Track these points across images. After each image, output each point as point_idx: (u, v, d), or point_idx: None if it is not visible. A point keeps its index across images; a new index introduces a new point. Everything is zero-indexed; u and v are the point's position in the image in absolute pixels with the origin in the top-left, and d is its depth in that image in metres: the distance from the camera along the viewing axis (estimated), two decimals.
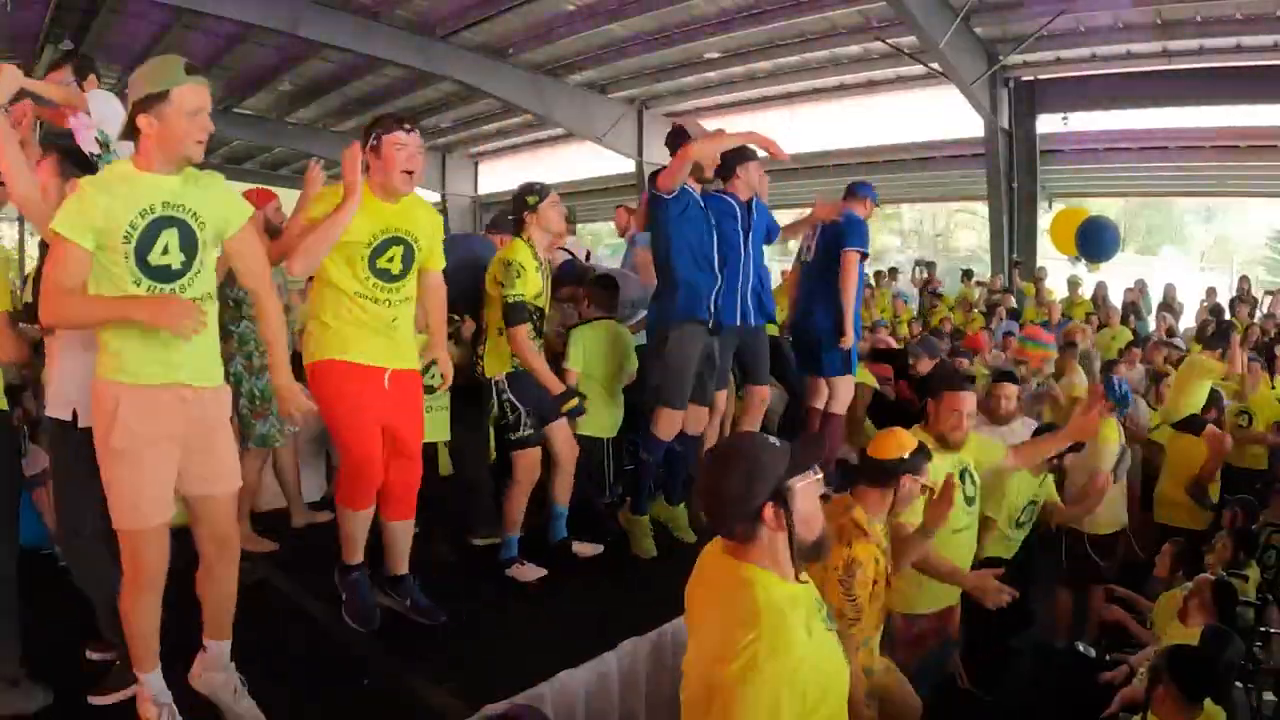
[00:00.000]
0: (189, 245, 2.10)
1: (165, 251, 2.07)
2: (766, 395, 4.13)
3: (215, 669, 2.35)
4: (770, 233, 4.09)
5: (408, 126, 2.68)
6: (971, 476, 3.17)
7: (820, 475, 1.80)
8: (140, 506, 2.11)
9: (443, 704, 2.54)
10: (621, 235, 4.66)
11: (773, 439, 1.83)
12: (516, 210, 3.45)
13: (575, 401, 3.47)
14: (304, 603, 3.19)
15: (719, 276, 3.63)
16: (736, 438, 1.86)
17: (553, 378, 3.39)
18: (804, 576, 1.81)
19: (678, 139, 3.73)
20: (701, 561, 1.92)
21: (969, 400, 3.11)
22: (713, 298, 3.61)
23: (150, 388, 2.09)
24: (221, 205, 2.19)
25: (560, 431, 3.57)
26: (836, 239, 4.37)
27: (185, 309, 1.99)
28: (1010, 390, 4.03)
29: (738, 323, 3.79)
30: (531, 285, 3.36)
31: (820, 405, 4.50)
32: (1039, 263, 11.85)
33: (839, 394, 4.48)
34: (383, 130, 2.66)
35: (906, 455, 2.59)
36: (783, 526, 1.72)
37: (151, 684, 2.24)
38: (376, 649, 2.83)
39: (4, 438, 2.56)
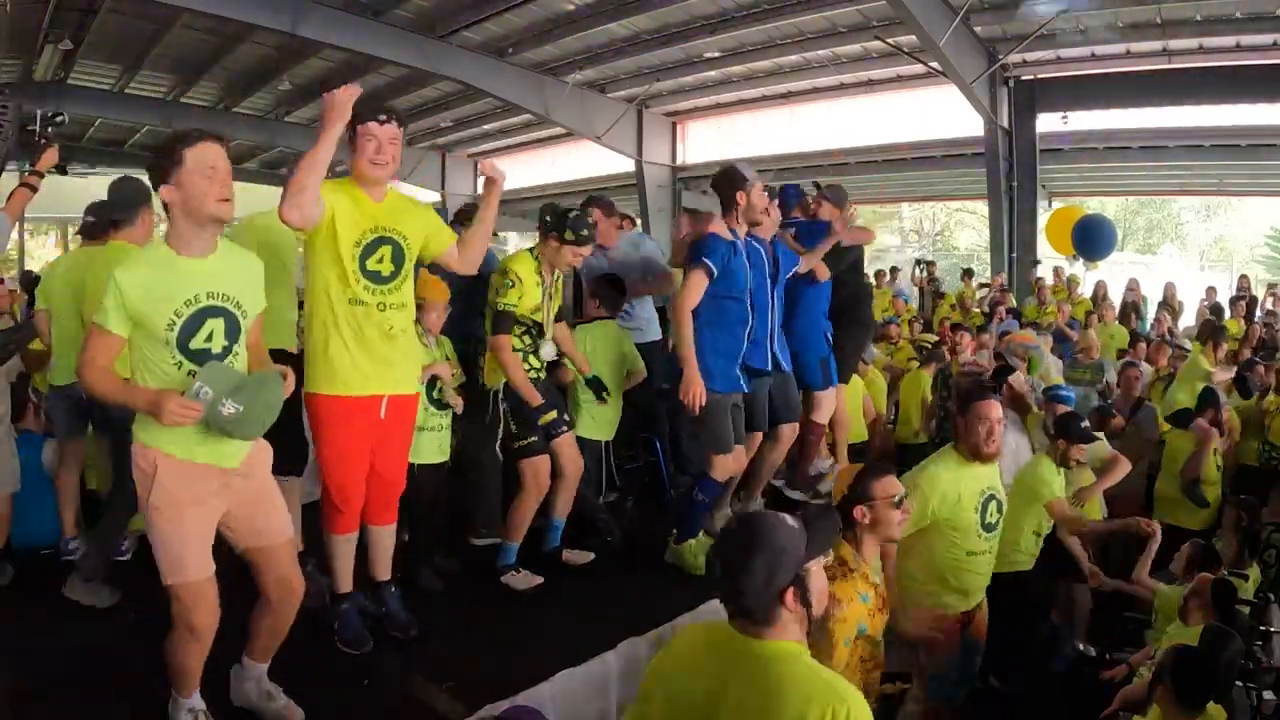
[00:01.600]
0: (233, 332, 2.17)
1: (209, 339, 2.13)
2: (796, 431, 4.10)
3: (252, 680, 2.43)
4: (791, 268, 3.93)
5: (382, 118, 2.61)
6: (998, 502, 3.08)
7: (830, 556, 1.82)
8: (185, 561, 2.14)
9: (443, 704, 2.54)
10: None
11: (789, 520, 1.77)
12: (540, 220, 3.47)
13: (554, 415, 3.45)
14: (304, 603, 3.18)
15: (751, 328, 3.54)
16: (755, 521, 1.80)
17: (530, 390, 3.35)
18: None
19: (735, 184, 3.49)
20: (692, 642, 1.87)
21: (997, 408, 3.02)
22: (742, 354, 3.52)
23: (188, 462, 2.12)
24: (256, 289, 2.26)
25: (566, 445, 3.56)
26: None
27: (182, 409, 2.00)
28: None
29: (768, 368, 3.70)
30: (528, 299, 3.35)
31: (821, 420, 4.42)
32: (1040, 262, 11.87)
33: (822, 405, 4.40)
34: (357, 120, 2.58)
35: (847, 490, 2.51)
36: (799, 609, 1.72)
37: (192, 701, 2.28)
38: (376, 649, 2.83)
39: None
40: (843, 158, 13.95)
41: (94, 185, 6.63)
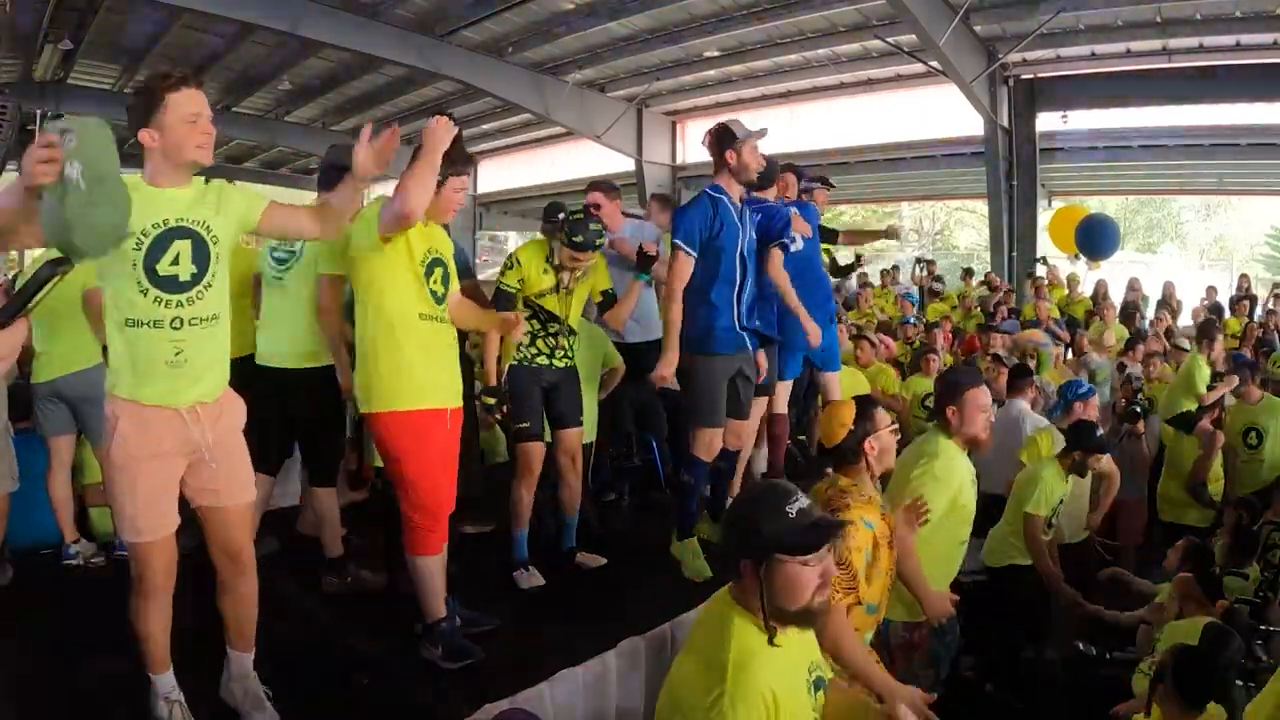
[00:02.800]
0: (201, 258, 2.11)
1: (175, 262, 2.06)
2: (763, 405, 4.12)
3: (237, 678, 2.38)
4: (769, 231, 3.74)
5: (469, 171, 2.75)
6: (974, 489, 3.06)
7: (822, 567, 1.77)
8: (138, 521, 2.11)
9: (443, 704, 2.54)
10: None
11: (793, 506, 1.75)
12: (547, 218, 3.57)
13: (492, 401, 3.44)
14: (304, 603, 3.19)
15: (739, 289, 3.43)
16: (764, 488, 1.86)
17: (492, 373, 3.40)
18: (791, 637, 1.78)
19: (723, 143, 3.35)
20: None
21: (988, 394, 3.01)
22: (735, 317, 3.41)
23: (148, 406, 2.09)
24: (235, 213, 2.19)
25: (565, 442, 3.56)
26: (766, 235, 3.79)
27: (38, 146, 1.71)
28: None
29: (775, 334, 3.76)
30: (532, 283, 3.39)
31: (782, 410, 4.39)
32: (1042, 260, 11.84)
33: (781, 395, 4.36)
34: (451, 171, 2.71)
35: (854, 425, 2.56)
36: (755, 587, 1.73)
37: (163, 683, 2.25)
38: (376, 649, 2.83)
39: None
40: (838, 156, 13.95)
41: None
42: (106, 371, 2.13)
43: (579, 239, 3.32)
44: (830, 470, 2.69)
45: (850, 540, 2.35)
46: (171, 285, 2.07)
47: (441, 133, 2.49)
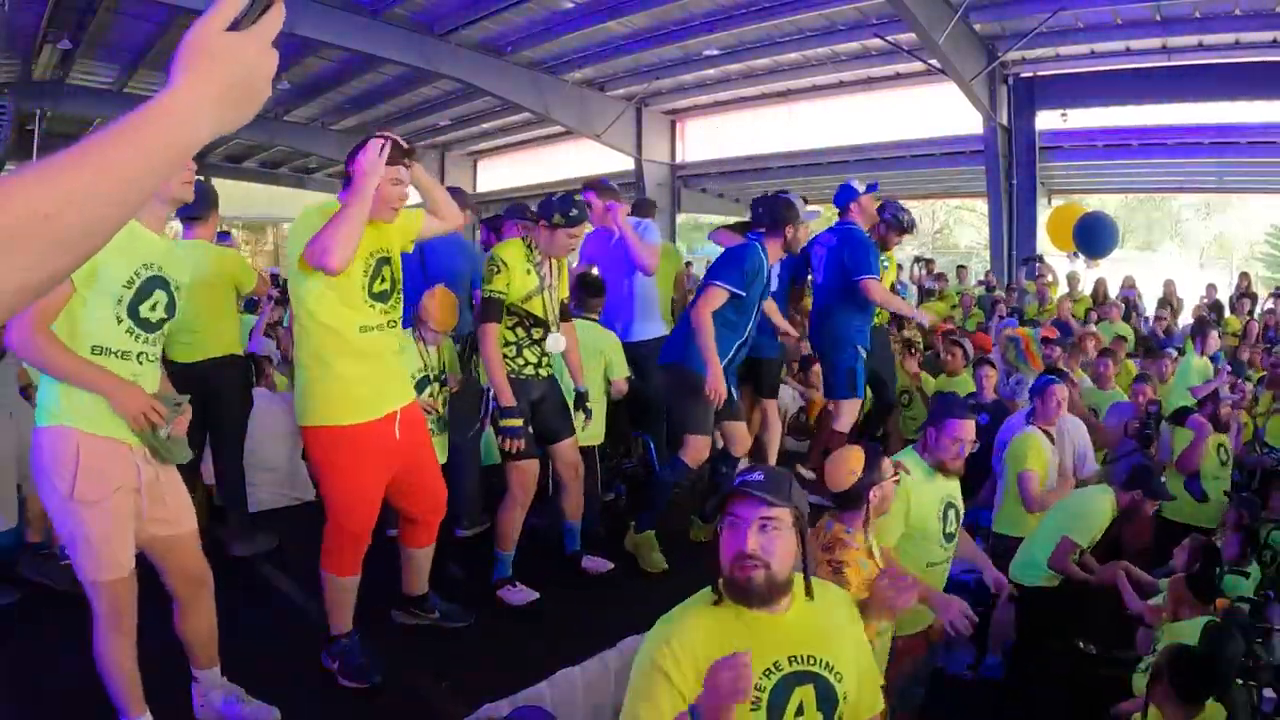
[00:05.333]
0: (170, 308, 2.19)
1: (154, 308, 2.15)
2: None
3: (213, 689, 2.39)
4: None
5: (406, 162, 2.57)
6: (956, 511, 3.05)
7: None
8: (118, 555, 2.08)
9: (443, 703, 2.54)
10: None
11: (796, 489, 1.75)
12: (520, 216, 3.45)
13: (517, 421, 3.20)
14: (304, 603, 3.19)
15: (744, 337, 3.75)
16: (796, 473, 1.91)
17: (505, 390, 3.17)
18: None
19: (784, 219, 3.70)
20: None
21: (970, 429, 2.96)
22: (731, 357, 3.70)
23: (108, 439, 2.08)
24: (186, 274, 2.28)
25: (562, 454, 3.47)
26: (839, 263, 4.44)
27: (146, 405, 2.05)
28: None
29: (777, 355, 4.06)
30: (518, 285, 3.21)
31: (842, 429, 4.43)
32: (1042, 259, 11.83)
33: (841, 414, 4.45)
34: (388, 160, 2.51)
35: (860, 472, 2.53)
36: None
37: None
38: (376, 649, 2.83)
39: None
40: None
41: None
42: (51, 398, 2.05)
43: (574, 212, 3.26)
44: (830, 512, 2.66)
45: (846, 574, 2.36)
46: (146, 325, 2.14)
47: (373, 161, 2.42)
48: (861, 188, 4.55)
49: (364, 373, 2.55)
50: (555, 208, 3.26)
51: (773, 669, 1.68)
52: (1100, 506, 3.84)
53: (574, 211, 3.26)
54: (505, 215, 4.34)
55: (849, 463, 2.57)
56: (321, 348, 2.52)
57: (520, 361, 3.30)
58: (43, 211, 0.54)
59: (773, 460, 4.57)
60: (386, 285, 2.62)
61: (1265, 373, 6.24)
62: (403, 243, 2.73)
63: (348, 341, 2.52)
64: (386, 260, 2.63)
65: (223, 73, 0.67)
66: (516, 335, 3.29)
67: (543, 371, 3.37)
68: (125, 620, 2.12)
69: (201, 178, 2.90)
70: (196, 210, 3.43)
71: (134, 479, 2.12)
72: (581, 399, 3.53)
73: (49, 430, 2.04)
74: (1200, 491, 4.90)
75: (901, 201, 5.10)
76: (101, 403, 2.05)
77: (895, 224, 4.71)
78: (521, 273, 3.22)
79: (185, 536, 2.28)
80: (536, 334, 3.31)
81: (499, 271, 3.18)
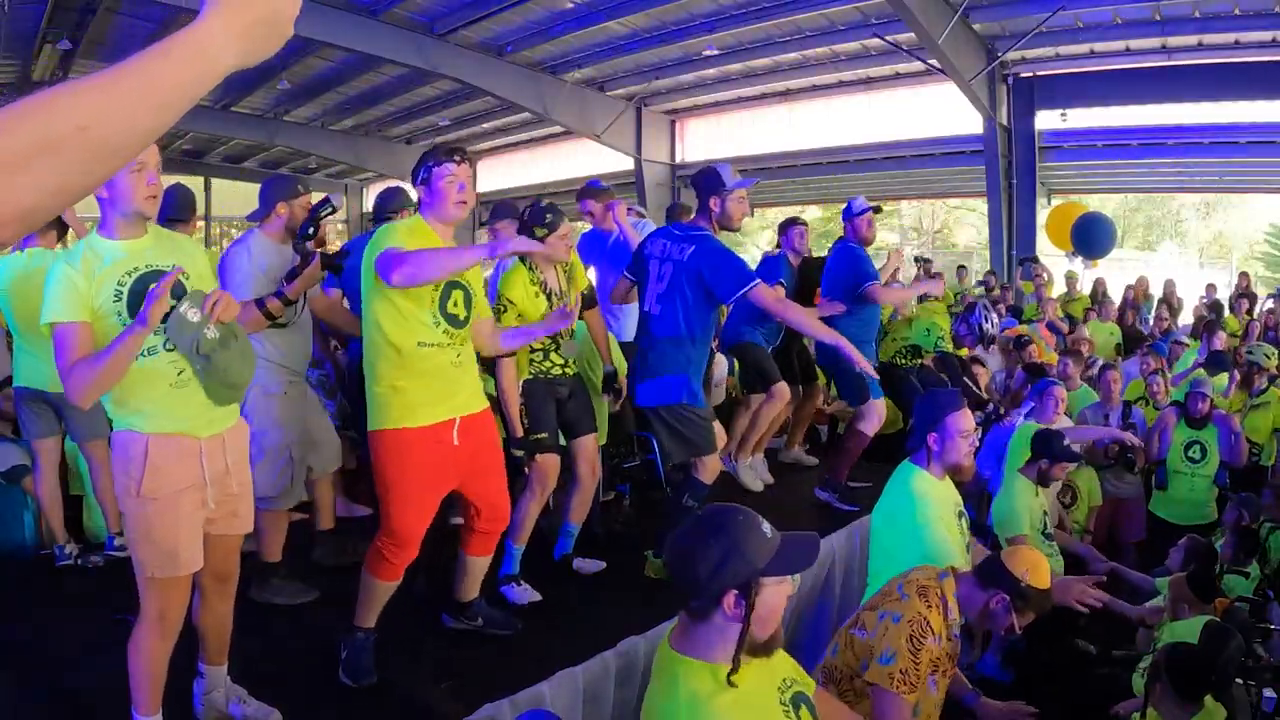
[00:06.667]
0: (178, 295, 2.08)
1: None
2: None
3: (218, 688, 2.40)
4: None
5: (458, 158, 2.55)
6: (965, 516, 2.99)
7: (796, 580, 1.74)
8: (179, 554, 2.11)
9: (443, 704, 2.54)
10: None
11: (766, 526, 1.71)
12: (524, 231, 3.33)
13: (544, 435, 3.29)
14: (305, 604, 3.19)
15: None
16: (724, 512, 1.74)
17: (516, 422, 3.23)
18: (752, 669, 1.73)
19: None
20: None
21: (970, 416, 2.85)
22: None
23: (173, 436, 2.11)
24: (197, 263, 2.22)
25: (584, 450, 3.50)
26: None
27: (163, 304, 1.98)
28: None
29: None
30: (530, 312, 3.23)
31: (867, 430, 4.41)
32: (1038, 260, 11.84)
33: (866, 415, 4.43)
34: (433, 163, 2.54)
35: (1030, 570, 2.37)
36: (738, 619, 1.66)
37: None
38: (377, 649, 2.83)
39: None
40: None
41: None
42: (111, 406, 2.11)
43: (549, 218, 3.28)
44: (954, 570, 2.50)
45: (928, 640, 2.21)
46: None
47: (525, 245, 2.53)
48: (862, 206, 4.63)
49: (419, 384, 2.55)
50: (532, 222, 3.30)
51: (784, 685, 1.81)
52: (1015, 488, 3.92)
53: (549, 217, 3.30)
54: (493, 217, 4.30)
55: (1026, 562, 2.40)
56: (380, 356, 2.54)
57: (548, 364, 3.40)
58: (80, 123, 0.64)
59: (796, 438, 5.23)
60: (460, 310, 2.60)
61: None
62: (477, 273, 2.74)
63: (408, 354, 2.51)
64: (458, 284, 2.59)
65: (250, 9, 0.72)
66: (543, 342, 3.33)
67: (569, 370, 3.48)
68: (170, 622, 2.14)
69: (181, 181, 2.89)
70: (177, 214, 3.48)
71: (199, 475, 2.14)
72: (610, 379, 3.65)
73: (119, 436, 2.12)
74: (1161, 479, 4.98)
75: (902, 201, 5.15)
76: (161, 401, 2.08)
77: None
78: (530, 301, 3.26)
79: (236, 540, 2.33)
80: (562, 335, 3.38)
81: (506, 311, 3.22)
